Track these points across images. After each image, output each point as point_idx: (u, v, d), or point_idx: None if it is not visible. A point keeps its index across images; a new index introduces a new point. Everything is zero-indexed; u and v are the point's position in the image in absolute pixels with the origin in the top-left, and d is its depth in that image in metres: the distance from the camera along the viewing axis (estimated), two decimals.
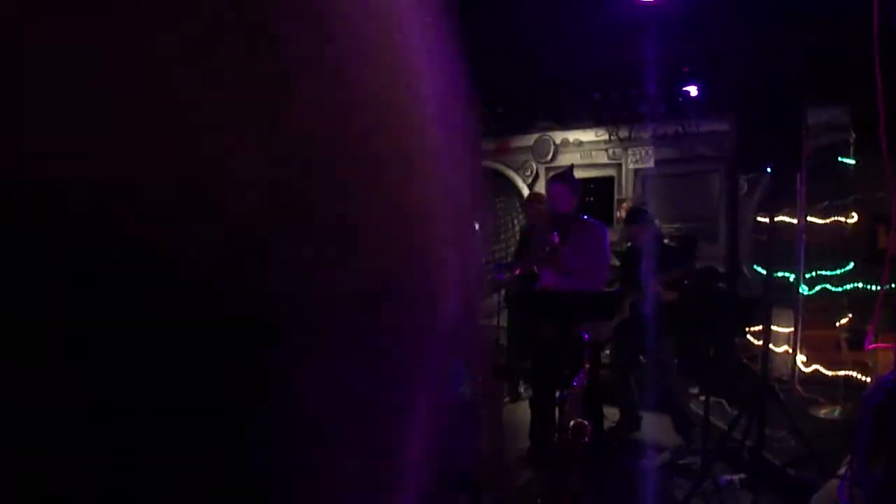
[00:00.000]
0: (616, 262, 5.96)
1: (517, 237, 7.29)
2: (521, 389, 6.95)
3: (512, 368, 6.98)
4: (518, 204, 9.04)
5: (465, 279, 0.26)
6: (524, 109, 8.54)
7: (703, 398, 4.70)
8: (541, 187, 8.66)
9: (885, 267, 3.18)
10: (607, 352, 6.17)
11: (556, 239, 4.57)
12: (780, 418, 4.60)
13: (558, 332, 4.19)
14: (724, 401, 5.91)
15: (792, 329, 5.74)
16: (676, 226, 7.36)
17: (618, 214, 7.99)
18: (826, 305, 6.15)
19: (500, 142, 9.14)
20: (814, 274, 6.19)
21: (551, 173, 8.17)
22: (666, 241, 5.75)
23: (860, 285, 6.05)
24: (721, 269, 7.10)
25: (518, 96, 8.19)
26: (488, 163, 9.24)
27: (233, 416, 0.18)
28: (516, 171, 9.14)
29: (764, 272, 4.79)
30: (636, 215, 5.72)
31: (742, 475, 4.35)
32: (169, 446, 0.17)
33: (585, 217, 4.79)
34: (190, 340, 0.17)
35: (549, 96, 8.19)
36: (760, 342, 4.90)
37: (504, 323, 7.03)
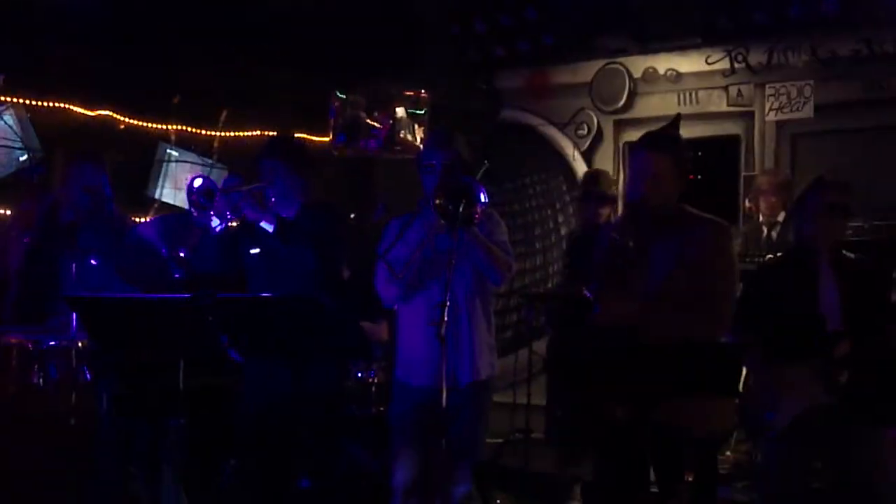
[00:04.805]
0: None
1: (564, 245, 6.55)
2: None
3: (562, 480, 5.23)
4: (565, 187, 7.34)
5: None
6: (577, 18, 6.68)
7: None
8: (605, 157, 7.02)
9: None
10: (728, 453, 5.42)
11: (633, 244, 3.65)
12: None
13: (638, 415, 3.24)
14: None
15: None
16: (857, 223, 5.58)
17: (748, 206, 6.10)
18: None
19: (535, 75, 7.25)
20: None
21: (629, 131, 7.29)
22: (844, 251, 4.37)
23: None
24: None
25: None
26: (513, 112, 7.48)
27: None
28: (562, 127, 7.28)
29: None
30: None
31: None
32: None
33: (693, 211, 3.71)
34: None
35: None
36: None
37: (540, 399, 5.76)
